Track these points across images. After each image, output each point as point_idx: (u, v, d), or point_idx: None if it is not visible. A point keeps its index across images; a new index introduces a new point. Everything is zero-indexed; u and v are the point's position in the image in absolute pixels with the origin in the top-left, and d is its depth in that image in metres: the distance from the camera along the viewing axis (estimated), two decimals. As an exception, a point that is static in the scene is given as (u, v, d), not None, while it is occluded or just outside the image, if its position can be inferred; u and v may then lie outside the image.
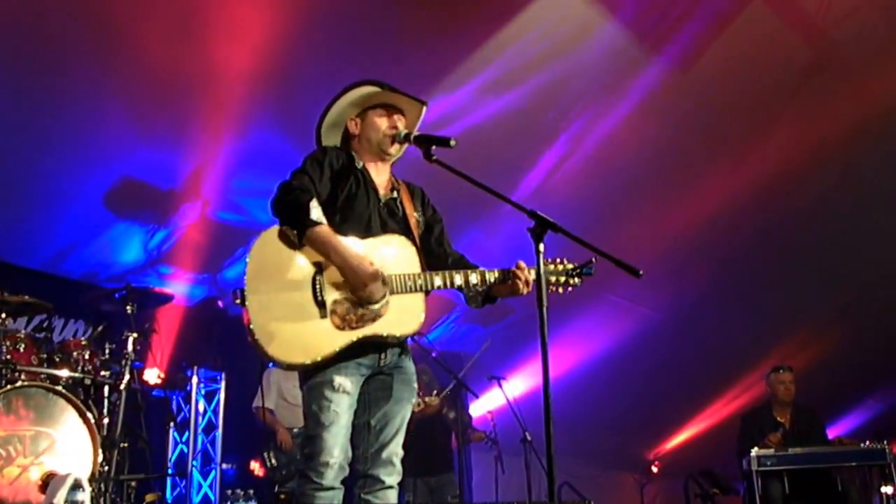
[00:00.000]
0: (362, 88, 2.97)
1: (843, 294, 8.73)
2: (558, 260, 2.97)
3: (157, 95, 5.31)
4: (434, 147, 2.78)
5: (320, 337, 2.65)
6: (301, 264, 2.70)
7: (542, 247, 2.54)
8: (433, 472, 6.04)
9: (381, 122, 2.95)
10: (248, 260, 2.66)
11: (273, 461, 5.42)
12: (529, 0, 5.22)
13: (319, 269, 2.70)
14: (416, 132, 3.00)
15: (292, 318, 2.63)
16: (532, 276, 2.81)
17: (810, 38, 6.01)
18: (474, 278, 2.84)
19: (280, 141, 5.69)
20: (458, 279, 2.83)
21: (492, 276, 2.86)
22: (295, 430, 5.47)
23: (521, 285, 2.84)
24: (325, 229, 2.67)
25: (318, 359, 2.64)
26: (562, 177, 6.74)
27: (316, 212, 2.66)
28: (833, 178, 7.15)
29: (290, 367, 2.74)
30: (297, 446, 5.37)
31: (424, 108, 3.03)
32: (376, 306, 2.70)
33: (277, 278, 2.67)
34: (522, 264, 2.85)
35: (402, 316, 2.76)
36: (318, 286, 2.68)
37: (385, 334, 2.74)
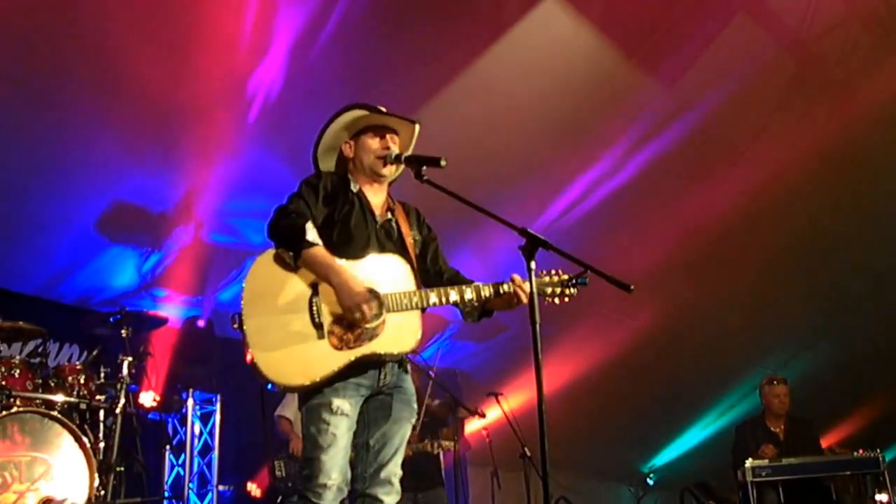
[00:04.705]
0: (351, 113, 2.99)
1: (834, 304, 8.79)
2: (553, 271, 2.99)
3: (149, 119, 5.33)
4: (424, 167, 2.80)
5: (319, 358, 2.66)
6: (297, 286, 2.72)
7: (533, 264, 2.57)
8: (421, 487, 6.01)
9: (373, 144, 2.97)
10: (244, 284, 2.68)
11: (282, 471, 5.32)
12: (516, 20, 5.29)
13: (315, 290, 2.72)
14: (409, 152, 3.02)
15: (290, 341, 2.65)
16: (527, 287, 2.81)
17: (793, 52, 6.11)
18: (469, 294, 2.87)
19: (272, 163, 5.72)
20: (454, 295, 2.85)
21: (486, 291, 2.89)
22: None
23: (514, 298, 2.87)
24: (320, 250, 2.71)
25: (317, 379, 2.66)
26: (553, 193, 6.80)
27: (312, 234, 2.69)
28: (820, 190, 7.22)
29: (288, 389, 2.76)
30: None
31: (417, 128, 3.04)
32: (372, 325, 2.71)
33: (274, 301, 2.69)
34: (517, 277, 2.88)
35: (398, 334, 2.77)
36: (314, 308, 2.70)
37: (383, 352, 2.75)
